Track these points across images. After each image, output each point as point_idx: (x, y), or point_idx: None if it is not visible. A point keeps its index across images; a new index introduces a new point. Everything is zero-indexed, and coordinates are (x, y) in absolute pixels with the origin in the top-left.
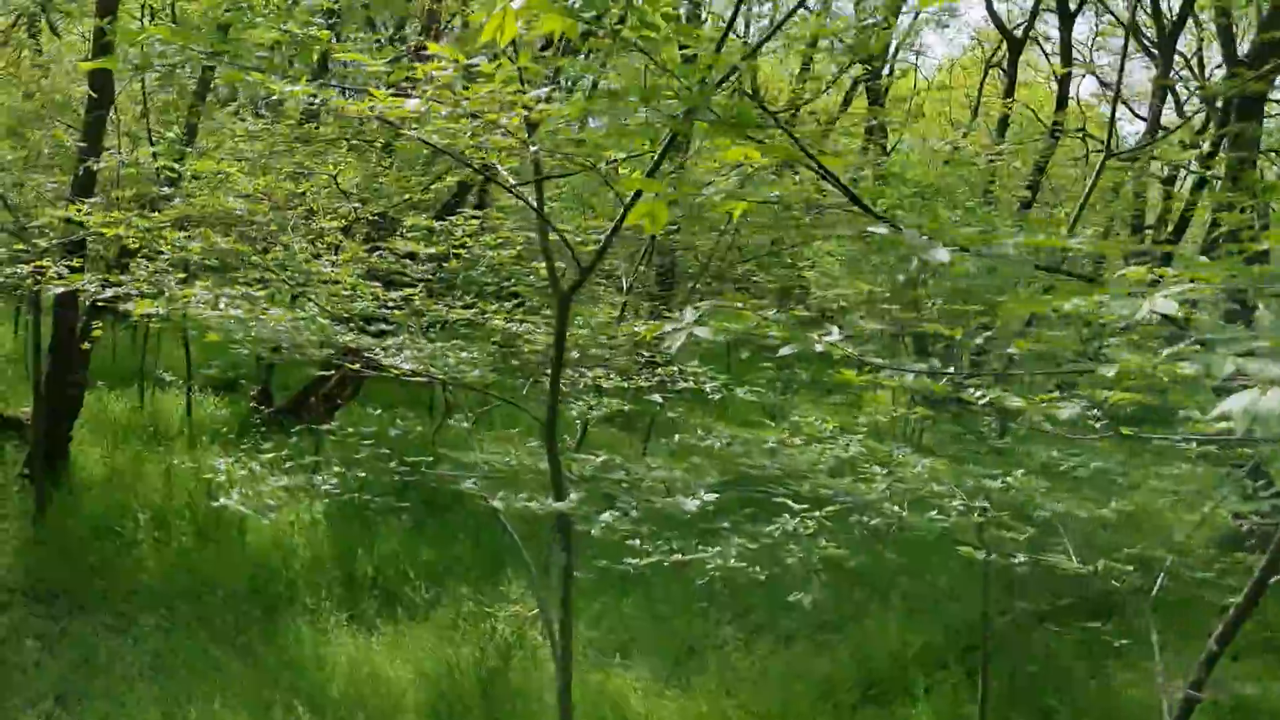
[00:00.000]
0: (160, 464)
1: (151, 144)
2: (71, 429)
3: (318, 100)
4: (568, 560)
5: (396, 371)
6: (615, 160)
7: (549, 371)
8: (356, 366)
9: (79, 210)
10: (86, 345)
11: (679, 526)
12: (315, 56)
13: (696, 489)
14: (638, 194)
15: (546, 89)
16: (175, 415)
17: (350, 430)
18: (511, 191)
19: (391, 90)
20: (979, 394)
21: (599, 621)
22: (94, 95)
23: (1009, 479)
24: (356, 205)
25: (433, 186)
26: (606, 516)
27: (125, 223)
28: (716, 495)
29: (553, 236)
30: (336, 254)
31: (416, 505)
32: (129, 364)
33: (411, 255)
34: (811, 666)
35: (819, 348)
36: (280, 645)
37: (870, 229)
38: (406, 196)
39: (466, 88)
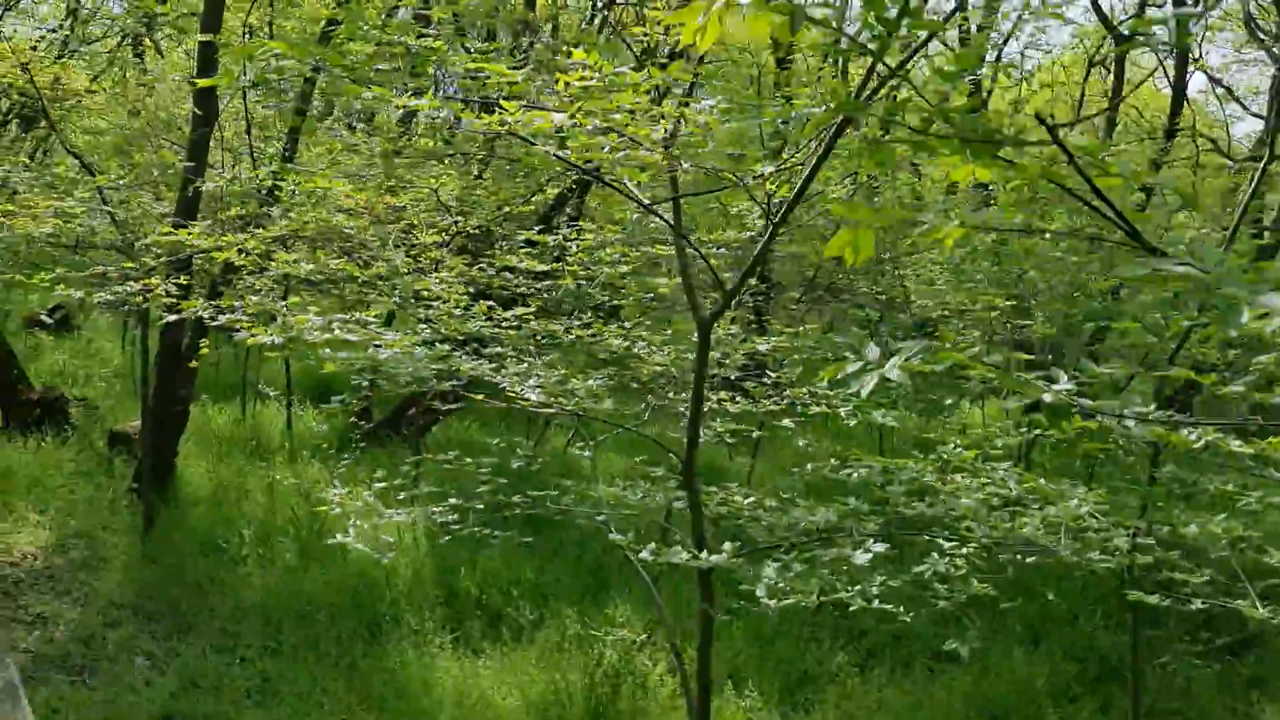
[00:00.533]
0: (263, 478)
1: (253, 160)
2: (178, 444)
3: (441, 114)
4: (708, 611)
5: (523, 403)
6: (761, 175)
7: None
8: (480, 397)
9: (189, 233)
10: (194, 364)
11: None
12: (430, 68)
13: (862, 537)
14: (786, 210)
15: (711, 102)
16: (276, 429)
17: (467, 460)
18: (650, 210)
19: (521, 103)
20: (1194, 435)
21: None
22: (199, 113)
23: (1182, 523)
24: (457, 219)
25: (533, 198)
26: (770, 573)
27: (238, 247)
28: (891, 548)
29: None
30: (439, 269)
31: (515, 522)
32: (231, 377)
33: (513, 270)
34: (932, 696)
35: (1047, 398)
36: (386, 668)
37: (1158, 266)
38: (506, 209)
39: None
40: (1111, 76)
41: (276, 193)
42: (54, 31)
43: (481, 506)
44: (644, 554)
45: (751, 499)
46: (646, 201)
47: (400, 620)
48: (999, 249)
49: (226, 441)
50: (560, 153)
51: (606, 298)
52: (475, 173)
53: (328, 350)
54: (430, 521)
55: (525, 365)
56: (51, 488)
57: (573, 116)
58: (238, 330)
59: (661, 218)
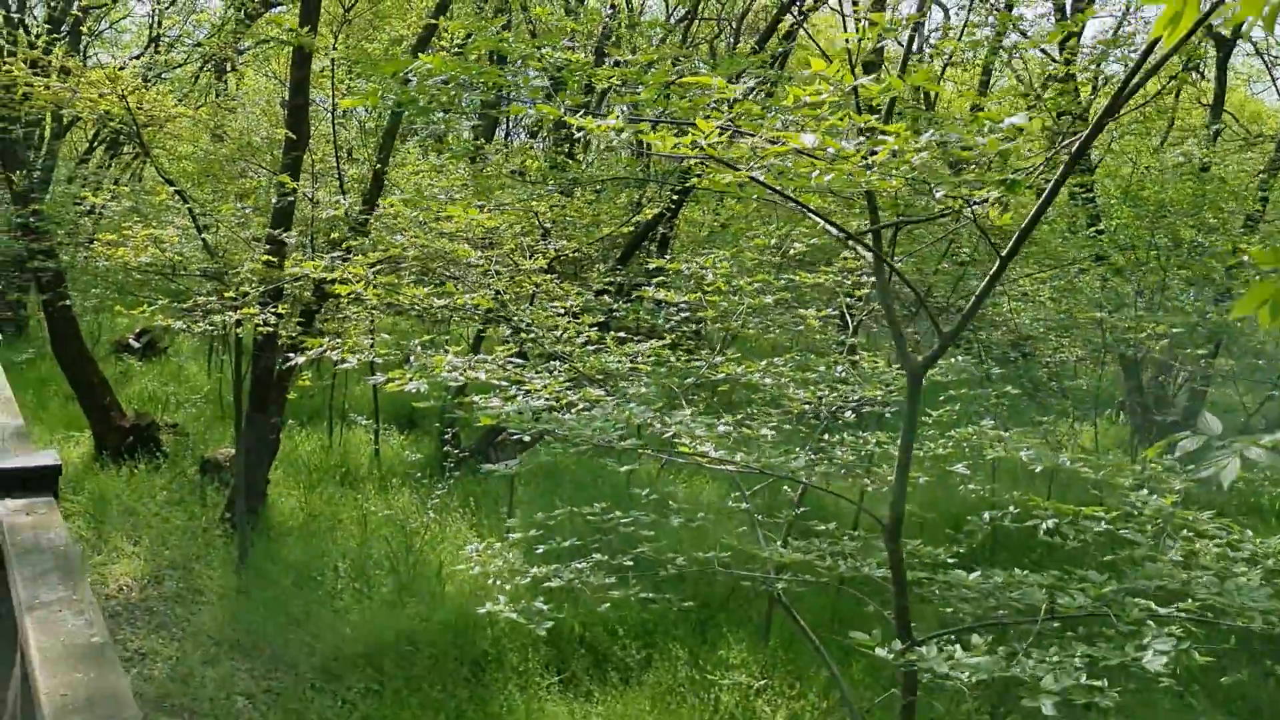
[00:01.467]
0: (354, 507)
1: (341, 185)
2: (269, 472)
3: (620, 135)
4: (910, 705)
5: (704, 461)
6: (984, 200)
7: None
8: (645, 450)
9: (314, 266)
10: (293, 395)
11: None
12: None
13: (1155, 632)
14: (1018, 241)
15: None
16: (364, 455)
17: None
18: (852, 240)
19: (720, 125)
20: None
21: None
22: (292, 136)
23: None
24: (561, 242)
25: (633, 219)
26: (1051, 683)
27: (365, 280)
28: (1183, 645)
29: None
30: (537, 296)
31: (609, 549)
32: (316, 401)
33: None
34: None
35: None
36: (493, 713)
37: None
38: (607, 232)
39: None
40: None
41: (367, 217)
42: (137, 58)
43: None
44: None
45: (975, 571)
46: (844, 230)
47: (503, 660)
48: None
49: (316, 469)
50: (755, 175)
51: (758, 330)
52: (577, 194)
53: (481, 401)
54: (578, 579)
55: (687, 414)
56: (145, 516)
57: (821, 135)
58: (342, 361)
59: (863, 245)
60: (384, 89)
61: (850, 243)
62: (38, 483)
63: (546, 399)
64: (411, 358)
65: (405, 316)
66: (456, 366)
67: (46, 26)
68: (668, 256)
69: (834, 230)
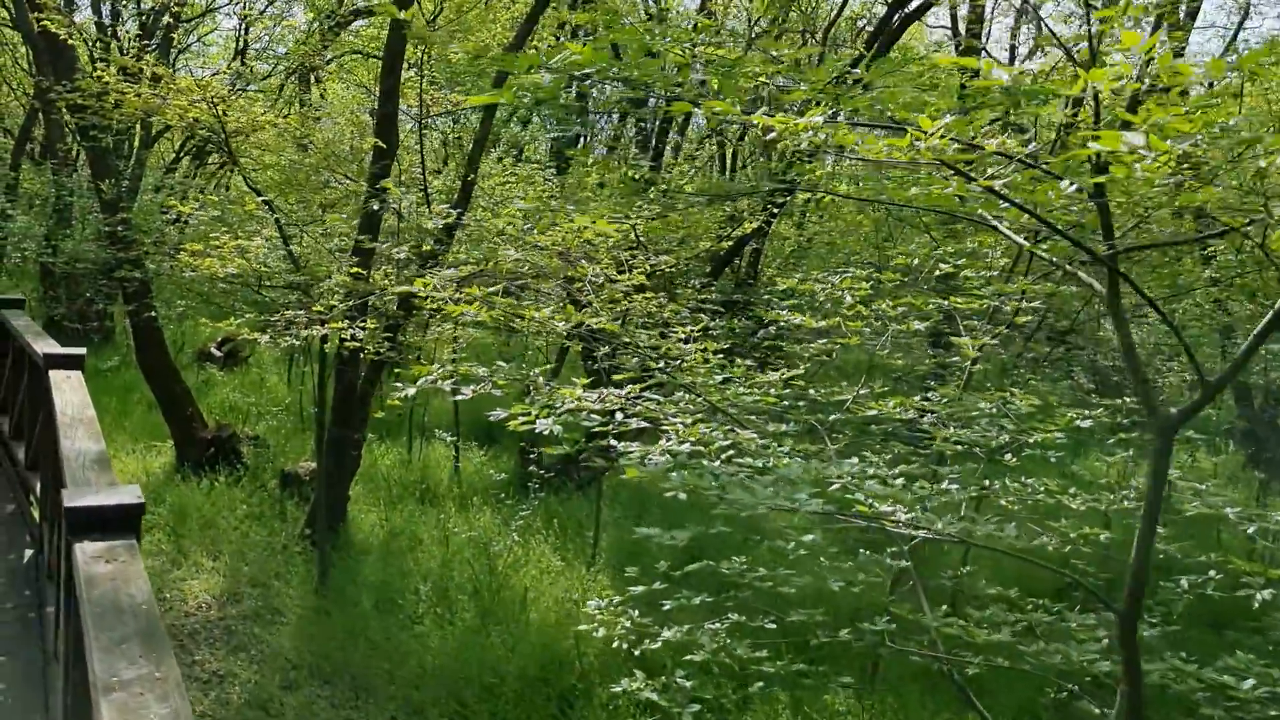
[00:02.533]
0: (435, 526)
1: (427, 196)
2: (350, 488)
3: (816, 136)
4: None
5: (889, 525)
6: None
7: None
8: (830, 513)
9: (387, 275)
10: (379, 414)
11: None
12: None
13: None
14: None
15: None
16: (444, 471)
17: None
18: (1096, 260)
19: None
20: None
21: None
22: (381, 145)
23: None
24: (662, 257)
25: (733, 234)
26: None
27: (476, 299)
28: None
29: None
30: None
31: (702, 580)
32: (395, 414)
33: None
34: None
35: None
36: None
37: None
38: (706, 247)
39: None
40: None
41: (454, 230)
42: (225, 69)
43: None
44: None
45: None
46: (1086, 248)
47: (591, 695)
48: None
49: (395, 484)
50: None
51: (901, 360)
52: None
53: (637, 459)
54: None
55: (854, 462)
56: (225, 530)
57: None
58: (456, 391)
59: (1103, 268)
60: (512, 85)
61: (1074, 267)
62: (119, 523)
63: (690, 442)
64: (531, 390)
65: (487, 330)
66: (586, 401)
67: (138, 34)
68: (758, 272)
69: (1080, 247)
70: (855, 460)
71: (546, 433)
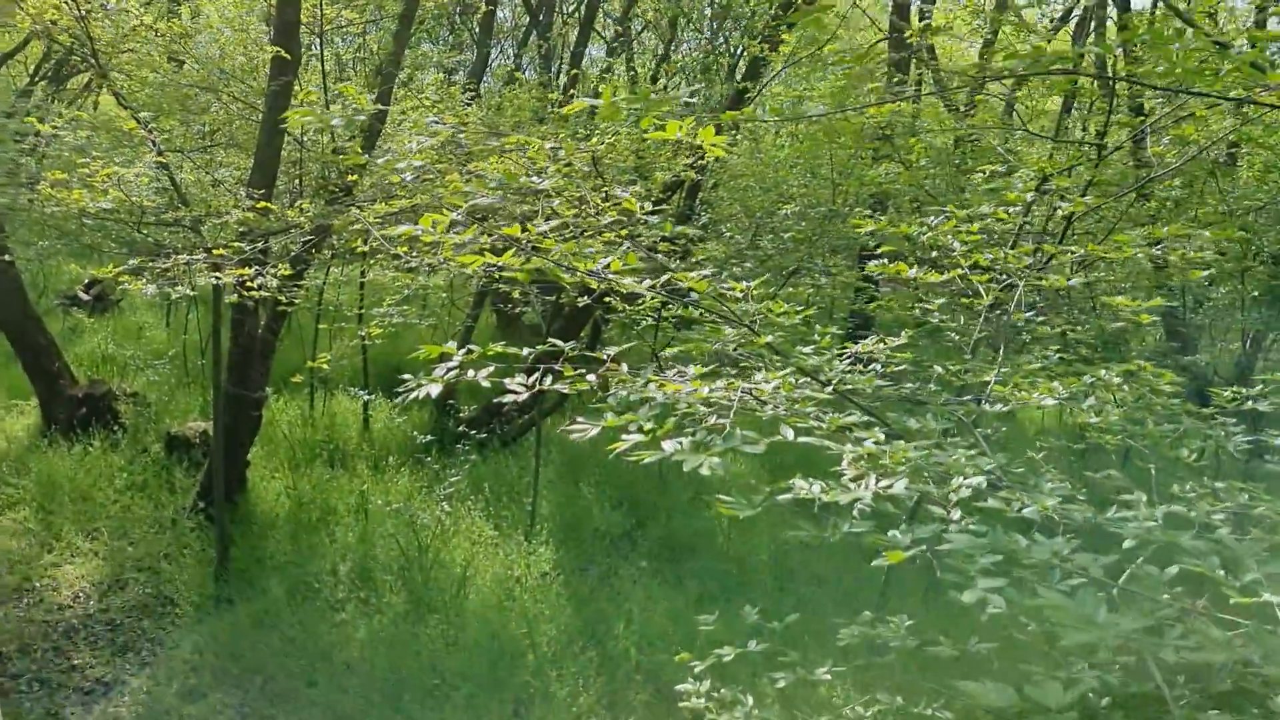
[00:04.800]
0: (348, 493)
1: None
2: (249, 453)
3: None
4: None
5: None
6: None
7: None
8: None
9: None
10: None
11: None
12: None
13: None
14: None
15: None
16: (352, 427)
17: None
18: None
19: None
20: None
21: None
22: (285, 56)
23: None
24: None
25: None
26: None
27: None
28: None
29: None
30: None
31: (651, 548)
32: (292, 362)
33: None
34: None
35: None
36: None
37: None
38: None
39: None
40: None
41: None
42: None
43: None
44: None
45: None
46: None
47: (550, 696)
48: None
49: (299, 444)
50: None
51: (1049, 327)
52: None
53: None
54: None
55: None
56: (103, 505)
57: None
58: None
59: None
60: None
61: None
62: None
63: (900, 476)
64: (642, 389)
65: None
66: (715, 393)
67: None
68: (695, 205)
69: None
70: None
71: (711, 471)
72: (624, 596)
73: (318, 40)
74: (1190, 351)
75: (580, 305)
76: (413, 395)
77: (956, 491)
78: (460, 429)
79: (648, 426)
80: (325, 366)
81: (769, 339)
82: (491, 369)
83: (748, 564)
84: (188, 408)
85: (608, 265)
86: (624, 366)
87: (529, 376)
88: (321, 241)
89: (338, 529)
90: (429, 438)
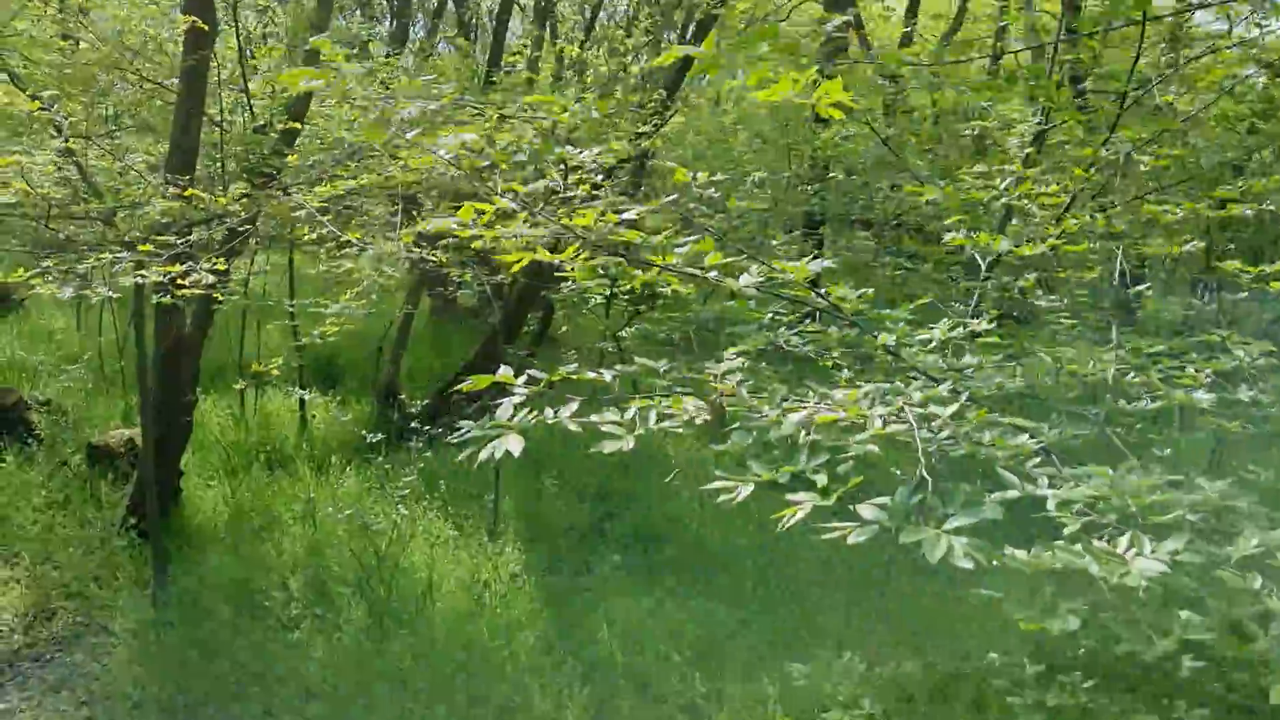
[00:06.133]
0: (291, 498)
1: (248, 97)
2: (181, 461)
3: None
4: None
5: None
6: None
7: None
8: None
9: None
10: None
11: None
12: None
13: None
14: None
15: None
16: (288, 425)
17: None
18: None
19: None
20: None
21: None
22: (201, 26)
23: None
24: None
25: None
26: None
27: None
28: None
29: None
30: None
31: (622, 540)
32: (218, 359)
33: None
34: None
35: None
36: None
37: None
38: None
39: None
40: None
41: (295, 136)
42: None
43: None
44: None
45: None
46: None
47: (533, 709)
48: None
49: (232, 448)
50: None
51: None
52: None
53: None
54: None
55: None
56: (21, 525)
57: None
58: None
59: None
60: None
61: None
62: None
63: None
64: (776, 416)
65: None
66: (859, 406)
67: None
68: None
69: None
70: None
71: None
72: (599, 595)
73: (229, 11)
74: None
75: (525, 285)
76: (489, 453)
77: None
78: (411, 424)
79: (819, 480)
80: (276, 371)
81: (889, 340)
82: (574, 407)
83: (726, 552)
84: (108, 415)
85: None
86: (742, 390)
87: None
88: (253, 230)
89: (284, 539)
90: (379, 436)
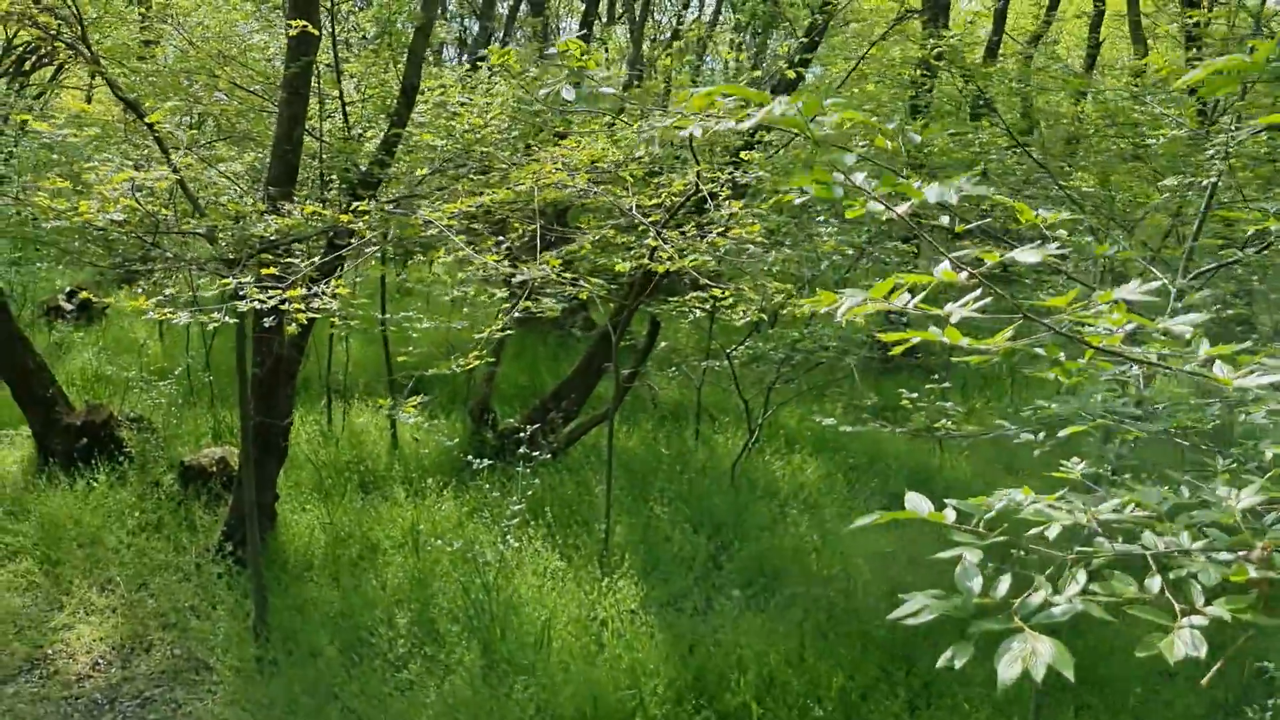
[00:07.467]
0: (389, 522)
1: (343, 107)
2: (277, 482)
3: None
4: None
5: None
6: None
7: None
8: None
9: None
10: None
11: None
12: None
13: None
14: None
15: None
16: (379, 443)
17: None
18: None
19: None
20: None
21: None
22: (312, 32)
23: None
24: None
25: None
26: None
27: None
28: None
29: None
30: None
31: (740, 574)
32: (303, 370)
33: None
34: None
35: None
36: None
37: None
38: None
39: None
40: None
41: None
42: None
43: None
44: None
45: None
46: None
47: None
48: None
49: (325, 468)
50: None
51: None
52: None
53: None
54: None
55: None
56: (115, 549)
57: None
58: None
59: None
60: None
61: None
62: None
63: None
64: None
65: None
66: None
67: None
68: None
69: None
70: None
71: None
72: (723, 634)
73: (328, 17)
74: None
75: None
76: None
77: None
78: (508, 444)
79: None
80: (414, 408)
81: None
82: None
83: (850, 586)
84: (198, 432)
85: None
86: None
87: None
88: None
89: (386, 569)
90: (486, 462)
